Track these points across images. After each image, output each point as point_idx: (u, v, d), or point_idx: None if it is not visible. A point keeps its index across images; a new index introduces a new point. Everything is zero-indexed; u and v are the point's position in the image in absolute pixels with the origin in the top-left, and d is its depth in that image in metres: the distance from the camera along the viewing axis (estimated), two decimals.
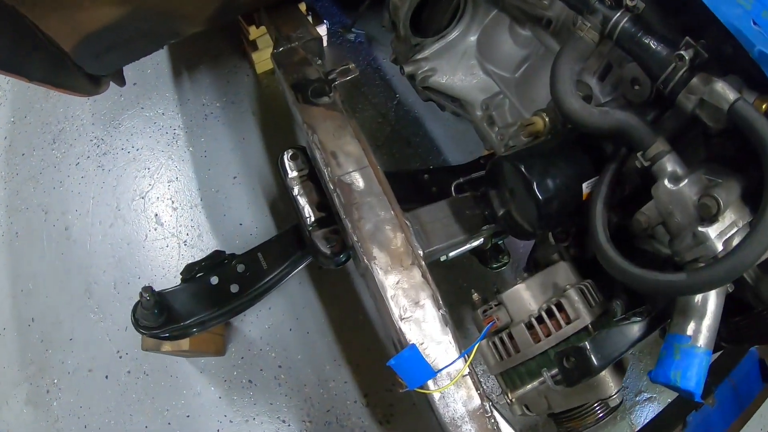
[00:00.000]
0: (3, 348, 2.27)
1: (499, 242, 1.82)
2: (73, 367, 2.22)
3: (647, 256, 1.25)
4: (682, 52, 1.06)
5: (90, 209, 2.48)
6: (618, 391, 1.32)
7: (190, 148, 2.61)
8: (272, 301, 2.29)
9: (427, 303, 1.37)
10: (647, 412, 2.26)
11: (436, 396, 1.29)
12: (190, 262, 1.81)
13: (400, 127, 2.70)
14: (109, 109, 2.69)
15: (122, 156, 2.59)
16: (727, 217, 1.05)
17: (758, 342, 1.35)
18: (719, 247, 1.03)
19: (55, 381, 2.20)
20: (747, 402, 1.68)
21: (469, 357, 1.32)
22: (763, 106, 1.01)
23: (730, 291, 1.13)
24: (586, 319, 1.28)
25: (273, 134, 2.64)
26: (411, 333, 1.33)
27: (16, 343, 2.27)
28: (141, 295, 1.60)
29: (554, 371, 1.26)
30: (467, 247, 1.62)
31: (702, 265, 1.05)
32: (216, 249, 1.85)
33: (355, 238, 1.45)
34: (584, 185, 1.27)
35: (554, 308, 1.31)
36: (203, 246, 2.41)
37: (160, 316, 1.66)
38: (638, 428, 2.16)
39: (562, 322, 1.30)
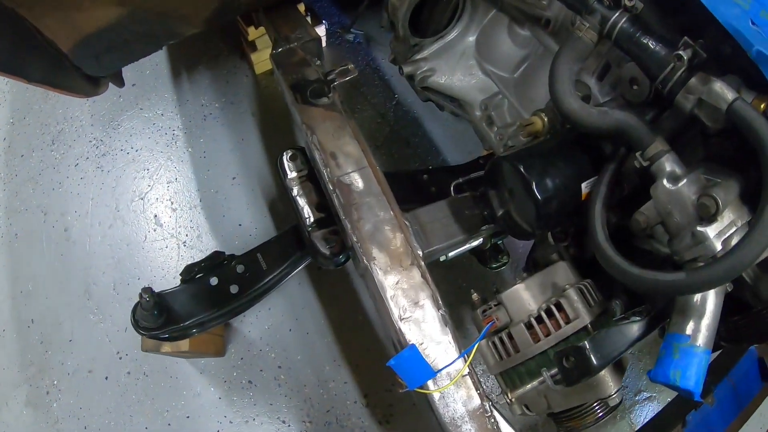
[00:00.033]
0: (3, 349, 2.27)
1: (498, 242, 1.82)
2: (72, 369, 2.22)
3: (646, 256, 1.25)
4: (680, 52, 1.06)
5: (89, 210, 2.48)
6: (617, 391, 1.32)
7: (189, 149, 2.61)
8: (272, 301, 2.29)
9: (427, 303, 1.37)
10: (647, 412, 2.26)
11: (436, 396, 1.29)
12: (189, 263, 1.81)
13: (399, 128, 2.70)
14: (108, 110, 2.69)
15: (121, 157, 2.59)
16: (726, 217, 1.05)
17: (757, 341, 1.35)
18: (718, 246, 1.04)
19: (55, 382, 2.20)
20: (746, 401, 1.68)
21: (468, 357, 1.32)
22: (762, 106, 1.02)
23: (729, 290, 1.14)
24: (585, 318, 1.28)
25: (272, 135, 2.64)
26: (411, 333, 1.33)
27: (15, 344, 2.27)
28: (141, 296, 1.60)
29: (554, 371, 1.26)
30: (466, 247, 1.62)
31: (701, 264, 1.05)
32: (215, 250, 1.85)
33: (355, 239, 1.46)
34: (583, 185, 1.28)
35: (553, 308, 1.31)
36: (202, 247, 2.41)
37: (160, 317, 1.66)
38: (638, 427, 2.16)
39: (561, 322, 1.30)
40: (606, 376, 1.29)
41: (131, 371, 2.21)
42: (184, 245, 2.42)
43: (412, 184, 1.98)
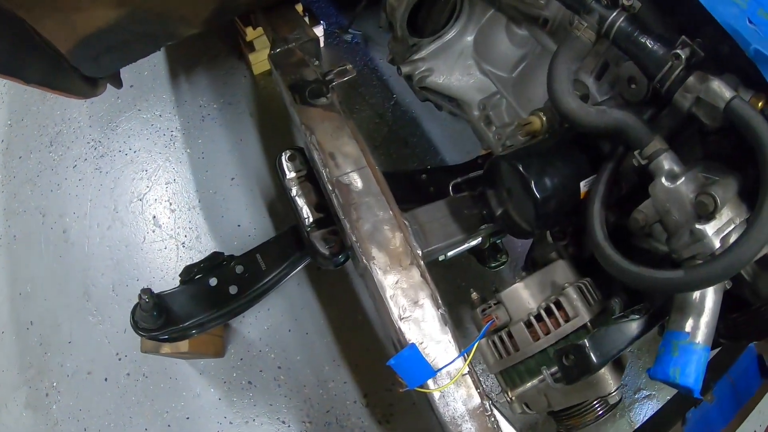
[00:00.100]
0: (2, 351, 2.26)
1: (497, 241, 1.82)
2: (72, 370, 2.21)
3: (645, 254, 1.25)
4: (678, 51, 1.06)
5: (88, 212, 2.48)
6: (617, 389, 1.33)
7: (188, 150, 2.61)
8: (271, 302, 2.29)
9: (426, 302, 1.37)
10: (646, 410, 2.26)
11: (436, 395, 1.29)
12: (188, 263, 1.81)
13: (398, 128, 2.70)
14: (106, 111, 2.69)
15: (120, 158, 2.59)
16: (724, 215, 1.06)
17: (756, 338, 1.35)
18: (716, 244, 1.04)
19: (55, 384, 2.20)
20: (746, 398, 1.68)
21: (468, 356, 1.32)
22: (759, 104, 1.02)
23: (728, 287, 1.14)
24: (584, 317, 1.29)
25: (270, 135, 2.64)
26: (410, 332, 1.34)
27: (14, 346, 2.27)
28: (140, 297, 1.60)
29: (554, 369, 1.27)
30: (465, 246, 1.62)
31: (699, 262, 1.05)
32: (214, 250, 1.85)
33: (354, 239, 1.46)
34: (582, 184, 1.28)
35: (553, 306, 1.31)
36: (201, 247, 2.41)
37: (159, 318, 1.66)
38: (638, 425, 2.17)
39: (560, 320, 1.30)
40: (605, 374, 1.29)
41: (131, 372, 2.20)
42: (183, 246, 2.42)
43: (411, 183, 1.99)
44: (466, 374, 1.31)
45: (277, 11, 2.05)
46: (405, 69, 1.90)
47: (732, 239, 1.02)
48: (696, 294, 1.10)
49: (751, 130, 0.97)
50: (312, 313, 2.31)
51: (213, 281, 1.77)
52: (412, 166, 2.59)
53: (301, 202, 1.72)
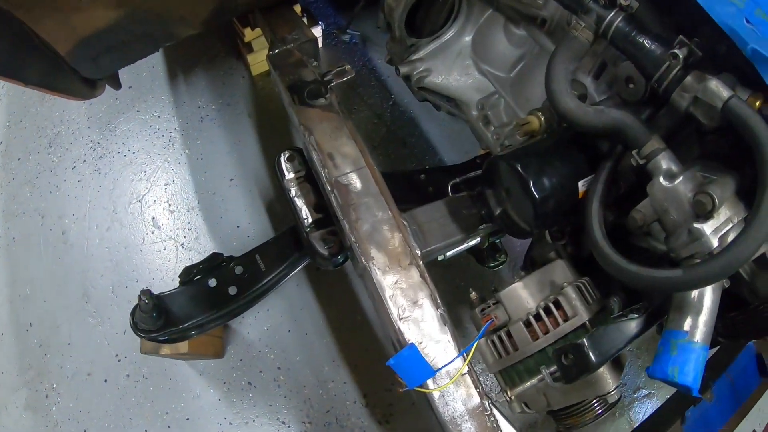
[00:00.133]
0: (1, 353, 2.26)
1: (496, 241, 1.82)
2: (71, 372, 2.21)
3: (643, 254, 1.25)
4: (675, 51, 1.07)
5: (87, 213, 2.48)
6: (616, 388, 1.33)
7: (187, 151, 2.61)
8: (270, 302, 2.30)
9: (426, 302, 1.38)
10: (646, 408, 2.27)
11: (436, 395, 1.29)
12: (188, 264, 1.82)
13: (396, 128, 2.71)
14: (105, 112, 2.69)
15: (118, 159, 2.59)
16: (722, 214, 1.06)
17: (754, 337, 1.36)
18: (714, 243, 1.04)
19: (54, 385, 2.20)
20: (745, 396, 1.69)
21: (468, 355, 1.32)
22: (757, 104, 1.03)
23: (726, 286, 1.14)
24: (583, 316, 1.29)
25: (269, 136, 2.64)
26: (410, 332, 1.34)
27: (14, 348, 2.27)
28: (140, 298, 1.60)
29: (553, 368, 1.27)
30: (464, 246, 1.62)
31: (698, 261, 1.05)
32: (214, 251, 1.86)
33: (353, 239, 1.46)
34: (580, 184, 1.28)
35: (552, 306, 1.32)
36: (201, 249, 2.41)
37: (159, 319, 1.66)
38: (637, 424, 2.17)
39: (559, 320, 1.30)
40: (604, 373, 1.30)
41: (130, 374, 2.20)
42: (182, 247, 2.42)
43: (410, 184, 1.99)
44: (465, 374, 1.31)
45: (275, 12, 2.06)
46: (403, 69, 1.90)
47: (730, 238, 1.02)
48: (694, 293, 1.10)
49: (749, 129, 0.98)
50: (311, 314, 2.32)
51: (212, 282, 1.77)
52: (410, 167, 2.59)
53: (300, 202, 1.72)
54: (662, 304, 1.23)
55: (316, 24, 2.66)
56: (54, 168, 2.58)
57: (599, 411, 1.34)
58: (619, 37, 1.17)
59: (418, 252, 1.49)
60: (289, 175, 1.75)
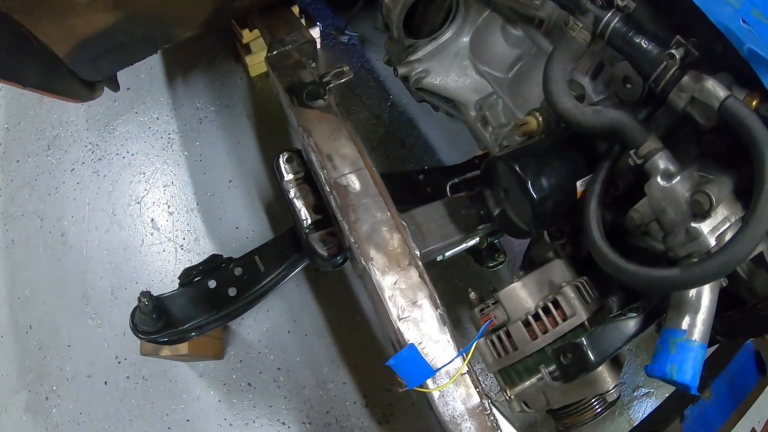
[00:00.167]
0: (1, 355, 2.26)
1: (494, 241, 1.83)
2: (71, 374, 2.21)
3: (641, 253, 1.26)
4: (672, 51, 1.07)
5: (86, 215, 2.48)
6: (615, 386, 1.33)
7: (185, 153, 2.61)
8: (270, 303, 2.30)
9: (425, 303, 1.38)
10: (645, 407, 2.27)
11: (436, 394, 1.30)
12: (187, 266, 1.82)
13: (395, 128, 2.71)
14: (104, 114, 2.69)
15: (117, 161, 2.59)
16: (720, 213, 1.06)
17: (752, 335, 1.36)
18: (712, 242, 1.05)
19: (54, 388, 2.20)
20: (744, 395, 1.69)
21: (467, 355, 1.32)
22: (753, 103, 1.03)
23: (724, 285, 1.15)
24: (582, 315, 1.29)
25: (268, 137, 2.64)
26: (409, 333, 1.34)
27: (14, 350, 2.27)
28: (139, 299, 1.60)
29: (552, 367, 1.27)
30: (463, 246, 1.63)
31: (695, 260, 1.06)
32: (213, 253, 1.86)
33: (352, 240, 1.46)
34: (578, 184, 1.29)
35: (550, 305, 1.32)
36: (200, 250, 2.41)
37: (159, 321, 1.67)
38: (636, 423, 2.17)
39: (558, 319, 1.31)
40: (603, 371, 1.30)
41: (130, 375, 2.21)
42: (182, 249, 2.42)
43: (408, 184, 1.99)
44: (465, 373, 1.31)
45: (273, 13, 2.06)
46: (401, 70, 1.91)
47: (727, 237, 1.03)
48: (692, 292, 1.10)
49: (746, 128, 0.98)
50: (311, 315, 2.32)
51: (212, 283, 1.77)
52: (409, 167, 2.60)
53: (299, 203, 1.72)
54: (660, 303, 1.24)
55: (315, 25, 2.66)
56: (53, 170, 2.58)
57: (598, 410, 1.34)
58: (616, 38, 1.17)
59: (417, 252, 1.49)
60: (288, 177, 1.75)
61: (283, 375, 2.23)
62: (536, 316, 1.33)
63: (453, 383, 1.30)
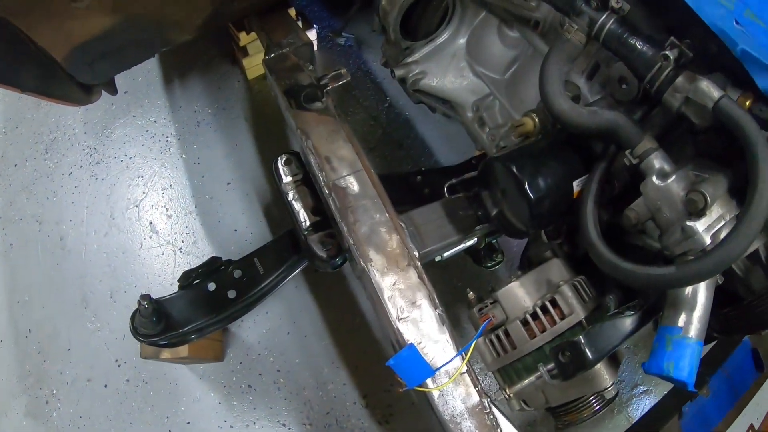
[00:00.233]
0: (1, 360, 2.26)
1: (492, 241, 1.83)
2: (71, 377, 2.22)
3: (638, 252, 1.27)
4: (667, 52, 1.08)
5: (84, 219, 2.48)
6: (613, 384, 1.35)
7: (183, 156, 2.61)
8: (269, 305, 2.30)
9: (424, 303, 1.39)
10: (644, 405, 2.28)
11: (435, 394, 1.31)
12: (186, 269, 1.82)
13: (392, 130, 2.72)
14: (101, 118, 2.69)
15: (115, 165, 2.59)
16: (715, 211, 1.08)
17: (749, 332, 1.37)
18: (707, 240, 1.06)
19: (54, 391, 2.20)
20: (741, 391, 1.70)
21: (466, 355, 1.33)
22: (747, 103, 1.04)
23: (720, 282, 1.16)
24: (579, 314, 1.30)
25: (266, 140, 2.65)
26: (409, 333, 1.35)
27: (13, 354, 2.27)
28: (139, 302, 1.60)
29: (550, 366, 1.28)
30: (461, 247, 1.64)
31: (691, 258, 1.07)
32: (212, 255, 1.86)
33: (351, 241, 1.47)
34: (575, 184, 1.30)
35: (548, 304, 1.33)
36: (199, 253, 2.41)
37: (159, 324, 1.67)
38: (635, 420, 2.19)
39: (556, 318, 1.32)
40: (601, 369, 1.31)
41: (130, 378, 2.21)
42: (180, 252, 2.42)
43: (406, 185, 2.00)
44: (464, 373, 1.32)
45: (270, 16, 2.07)
46: (398, 72, 1.91)
47: (722, 235, 1.04)
48: (688, 289, 1.12)
49: (740, 128, 0.99)
50: (310, 316, 2.32)
51: (211, 286, 1.77)
52: (406, 168, 2.60)
53: (297, 205, 1.72)
54: (657, 301, 1.25)
55: (311, 27, 2.67)
56: (51, 174, 2.58)
57: (597, 407, 1.36)
58: (611, 39, 1.18)
59: (416, 253, 1.50)
60: (287, 179, 1.75)
61: (283, 376, 2.23)
62: (534, 315, 1.34)
63: (452, 382, 1.31)
